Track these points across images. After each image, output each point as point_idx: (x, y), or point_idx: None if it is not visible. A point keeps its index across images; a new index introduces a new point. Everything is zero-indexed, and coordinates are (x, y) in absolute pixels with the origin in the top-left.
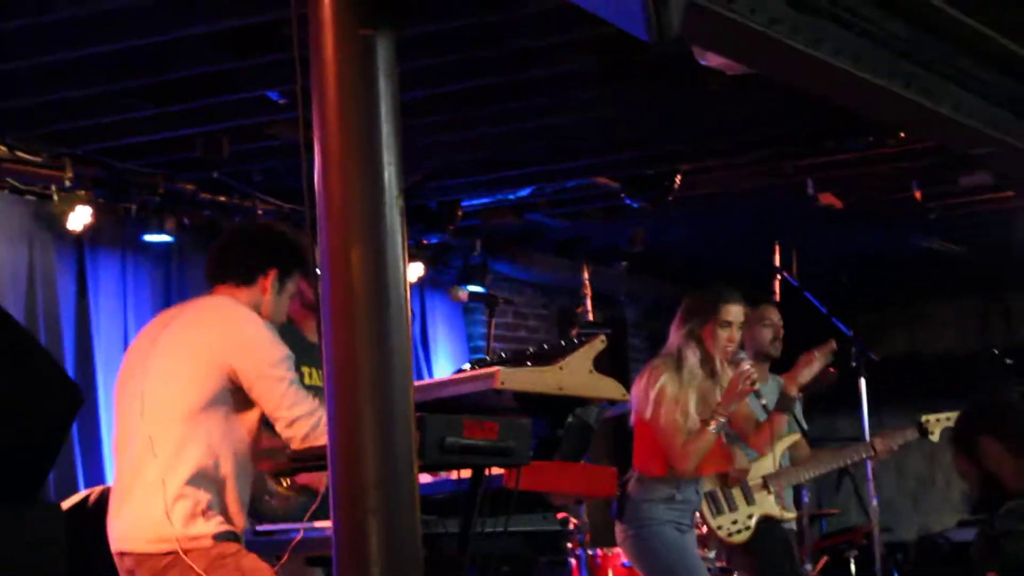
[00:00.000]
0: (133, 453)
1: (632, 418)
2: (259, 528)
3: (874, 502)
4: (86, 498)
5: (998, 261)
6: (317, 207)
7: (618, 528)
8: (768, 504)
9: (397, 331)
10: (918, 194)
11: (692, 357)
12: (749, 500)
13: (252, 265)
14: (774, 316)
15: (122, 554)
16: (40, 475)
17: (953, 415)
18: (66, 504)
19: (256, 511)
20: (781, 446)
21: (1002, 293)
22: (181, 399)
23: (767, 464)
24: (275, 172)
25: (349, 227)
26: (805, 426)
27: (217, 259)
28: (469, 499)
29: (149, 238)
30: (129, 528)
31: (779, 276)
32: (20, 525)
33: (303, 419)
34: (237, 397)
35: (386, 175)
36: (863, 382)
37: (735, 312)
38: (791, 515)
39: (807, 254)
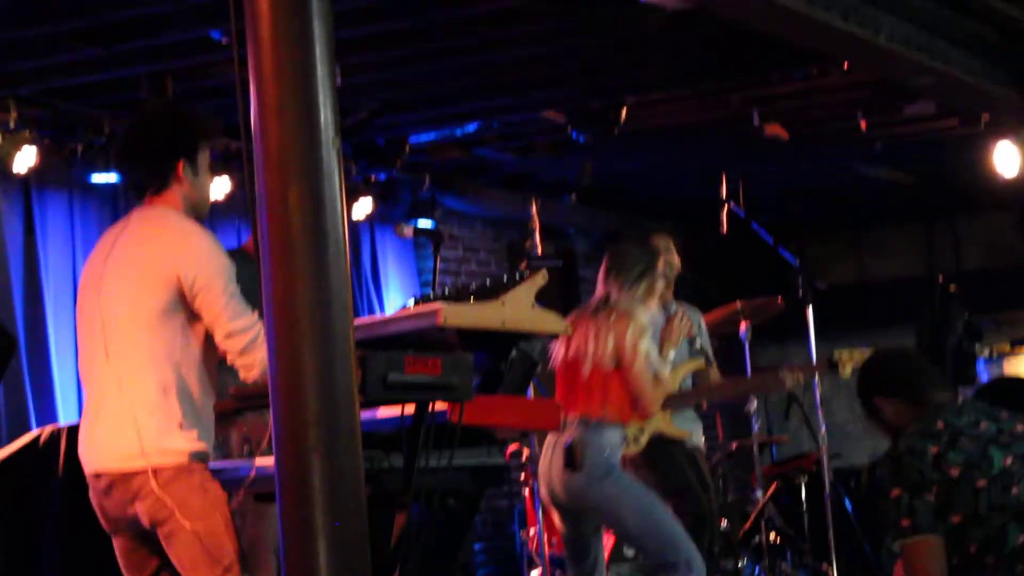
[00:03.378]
0: (99, 378)
1: (587, 367)
2: (210, 465)
3: (823, 428)
4: (37, 438)
5: (943, 188)
6: (254, 147)
7: (576, 479)
8: (660, 420)
9: (336, 270)
10: (863, 123)
11: (641, 315)
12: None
13: (158, 168)
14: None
15: (97, 475)
16: None
17: (866, 353)
18: (17, 444)
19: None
20: (682, 371)
21: (948, 220)
22: (137, 314)
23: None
24: (220, 111)
25: (286, 168)
26: (712, 357)
27: (128, 175)
28: (412, 435)
29: (96, 179)
30: (102, 448)
31: (726, 207)
32: None
33: (242, 332)
34: (190, 310)
35: (322, 116)
36: (810, 311)
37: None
38: (683, 433)
39: (754, 185)
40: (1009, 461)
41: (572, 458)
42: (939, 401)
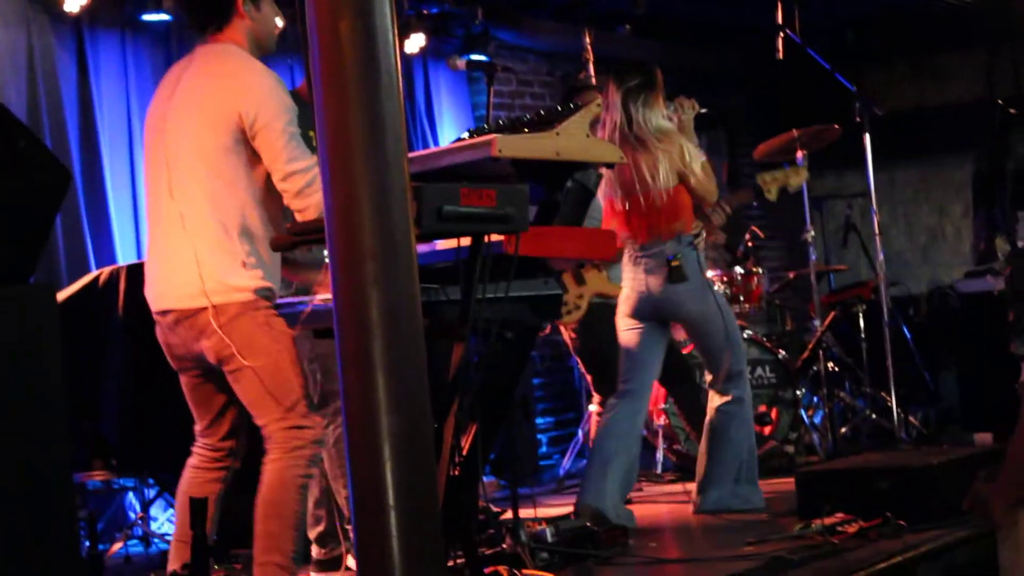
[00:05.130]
0: (164, 216)
1: (659, 192)
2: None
3: (881, 256)
4: (96, 278)
5: (1005, 11)
6: None
7: (678, 291)
8: (598, 281)
9: (389, 101)
10: None
11: (667, 124)
12: (579, 280)
13: (218, 4)
14: None
15: (163, 312)
16: (30, 257)
17: (789, 172)
18: (77, 285)
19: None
20: None
21: (1009, 44)
22: (200, 152)
23: None
24: None
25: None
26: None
27: (188, 14)
28: (469, 266)
29: (147, 17)
30: (167, 286)
31: (782, 34)
32: (11, 307)
33: (299, 174)
34: (252, 149)
35: None
36: (868, 138)
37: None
38: (614, 290)
39: (810, 11)
40: None
41: (678, 271)
42: None
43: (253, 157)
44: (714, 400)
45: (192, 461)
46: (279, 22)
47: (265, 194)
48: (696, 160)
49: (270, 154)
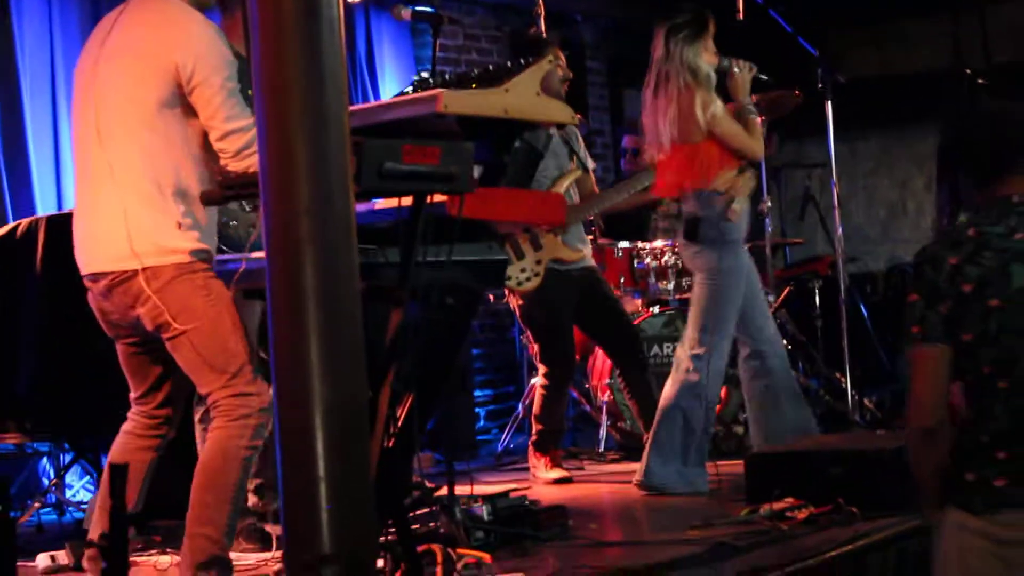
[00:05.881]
0: (92, 167)
1: (675, 144)
2: None
3: (839, 231)
4: (13, 229)
5: None
6: None
7: (696, 250)
8: (555, 246)
9: (330, 48)
10: None
11: (705, 67)
12: (536, 246)
13: None
14: None
15: (95, 277)
16: None
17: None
18: None
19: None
20: (565, 183)
21: (977, 10)
22: (133, 104)
23: None
24: None
25: None
26: (589, 164)
27: None
28: (410, 227)
29: None
30: (96, 246)
31: None
32: None
33: (238, 133)
34: (188, 103)
35: None
36: (830, 105)
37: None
38: (578, 254)
39: None
40: None
41: (690, 228)
42: (1003, 195)
43: (190, 112)
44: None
45: (126, 426)
46: None
47: (202, 152)
48: (719, 113)
49: (207, 111)
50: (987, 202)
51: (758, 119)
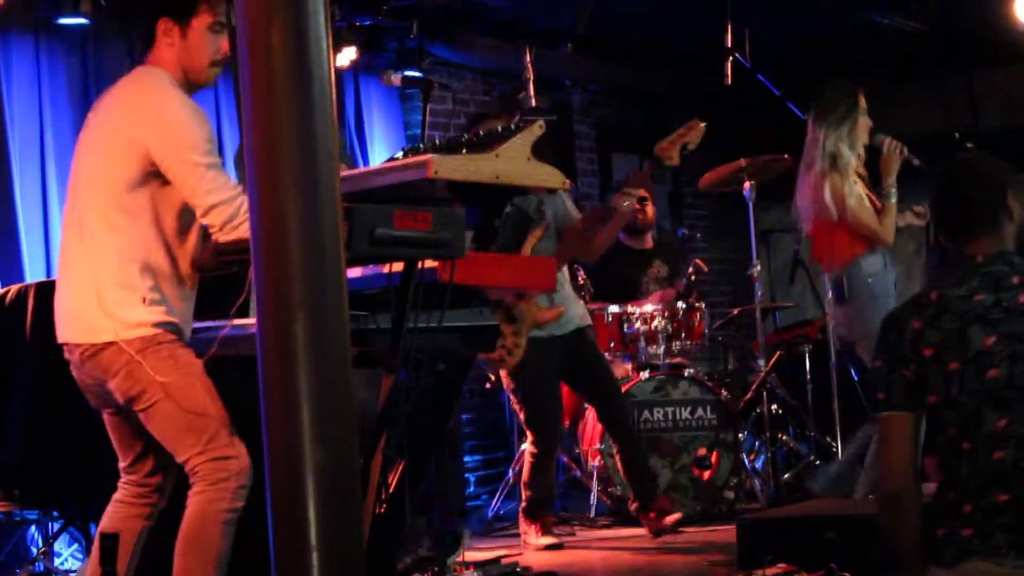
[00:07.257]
0: (71, 240)
1: (810, 226)
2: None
3: (830, 295)
4: (3, 296)
5: (960, 39)
6: None
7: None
8: (529, 313)
9: (321, 114)
10: None
11: (847, 152)
12: (510, 318)
13: (145, 24)
14: None
15: (67, 346)
16: None
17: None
18: None
19: None
20: (530, 243)
21: (966, 74)
22: (105, 181)
23: None
24: None
25: (267, 3)
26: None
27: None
28: (401, 293)
29: (63, 21)
30: (69, 319)
31: (731, 57)
32: None
33: (222, 206)
34: (163, 179)
35: None
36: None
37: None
38: (556, 310)
39: (760, 35)
40: (991, 341)
41: (840, 293)
42: (970, 255)
43: (162, 190)
44: None
45: (116, 495)
46: (218, 56)
47: (175, 228)
48: (851, 198)
49: (184, 190)
50: (959, 263)
51: (893, 203)
